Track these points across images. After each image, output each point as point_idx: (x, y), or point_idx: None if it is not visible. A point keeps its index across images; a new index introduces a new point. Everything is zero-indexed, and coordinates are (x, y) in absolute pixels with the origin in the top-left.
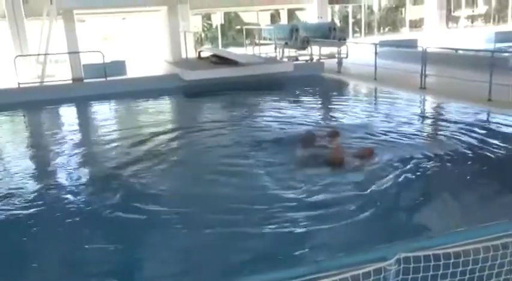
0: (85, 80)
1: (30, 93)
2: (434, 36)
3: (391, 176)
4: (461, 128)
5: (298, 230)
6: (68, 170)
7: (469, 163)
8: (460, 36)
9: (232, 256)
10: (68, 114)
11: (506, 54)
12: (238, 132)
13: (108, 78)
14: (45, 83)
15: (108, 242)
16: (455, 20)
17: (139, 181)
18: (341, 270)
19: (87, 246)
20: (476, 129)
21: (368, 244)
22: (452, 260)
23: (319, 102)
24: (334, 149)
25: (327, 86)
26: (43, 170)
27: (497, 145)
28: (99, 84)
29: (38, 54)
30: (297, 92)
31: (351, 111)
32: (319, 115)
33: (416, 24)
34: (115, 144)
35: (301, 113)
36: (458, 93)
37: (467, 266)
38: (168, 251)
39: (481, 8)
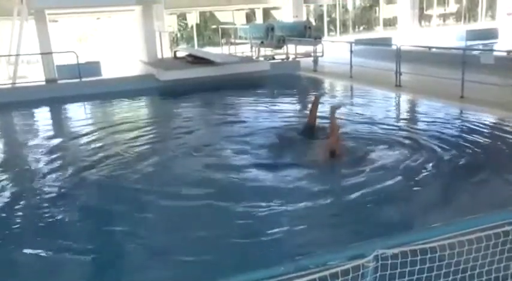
0: (59, 81)
1: (2, 94)
2: (408, 35)
3: (365, 172)
4: (435, 125)
5: (275, 227)
6: (39, 173)
7: (441, 158)
8: (433, 35)
9: (209, 255)
10: (42, 116)
11: (477, 52)
12: (215, 131)
13: (83, 79)
14: (17, 85)
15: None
16: (428, 18)
17: (113, 184)
18: (319, 268)
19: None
20: (448, 125)
21: (345, 241)
22: (429, 255)
23: (297, 100)
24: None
25: (303, 85)
26: (13, 173)
27: (468, 140)
28: (74, 85)
29: (9, 55)
30: (274, 91)
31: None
32: (297, 113)
33: (390, 23)
34: (89, 147)
35: (278, 112)
36: (432, 90)
37: (444, 261)
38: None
39: (453, 7)
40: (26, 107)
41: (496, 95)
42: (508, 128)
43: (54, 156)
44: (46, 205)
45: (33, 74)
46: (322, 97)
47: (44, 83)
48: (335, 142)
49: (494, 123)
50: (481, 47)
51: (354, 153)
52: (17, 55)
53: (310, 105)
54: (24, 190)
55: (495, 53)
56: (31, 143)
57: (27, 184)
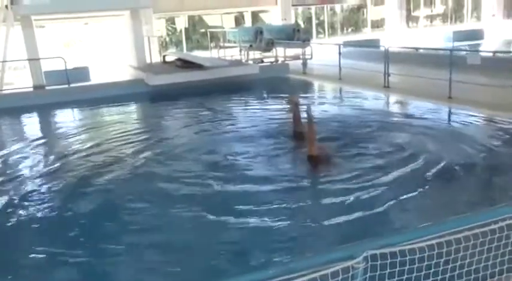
0: (47, 88)
1: None
2: (396, 36)
3: (355, 174)
4: (424, 125)
5: (266, 231)
6: (26, 180)
7: (430, 159)
8: (420, 36)
9: (200, 258)
10: (30, 123)
11: (464, 52)
12: (204, 136)
13: (71, 85)
14: (4, 91)
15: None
16: (415, 19)
17: (101, 192)
18: (309, 270)
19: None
20: (437, 126)
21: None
22: (417, 255)
23: (286, 103)
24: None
25: (293, 87)
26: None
27: (456, 141)
28: (62, 91)
29: None
30: (264, 94)
31: (317, 111)
32: (287, 116)
33: (378, 25)
34: (79, 154)
35: (268, 114)
36: (421, 91)
37: (432, 260)
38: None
39: (439, 8)
40: (13, 114)
41: (483, 95)
42: (495, 127)
43: (40, 163)
44: (29, 211)
45: (21, 81)
46: (299, 100)
47: (31, 89)
48: (313, 147)
49: (482, 122)
50: (467, 47)
51: (341, 156)
52: (4, 62)
53: (291, 112)
54: (9, 196)
55: (481, 54)
56: (18, 151)
57: (12, 191)
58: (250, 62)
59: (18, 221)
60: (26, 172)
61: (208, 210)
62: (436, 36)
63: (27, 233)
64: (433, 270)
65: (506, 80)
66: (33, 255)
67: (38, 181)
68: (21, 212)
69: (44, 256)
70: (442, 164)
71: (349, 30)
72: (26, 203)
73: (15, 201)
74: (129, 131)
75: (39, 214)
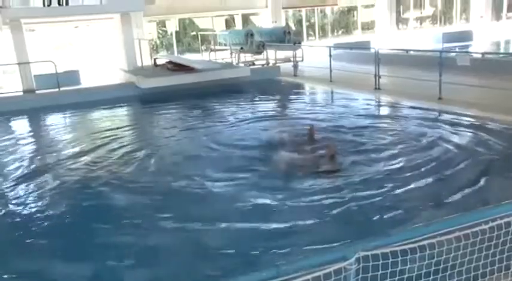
0: (37, 91)
1: None
2: (386, 38)
3: (353, 178)
4: (415, 126)
5: (260, 234)
6: (17, 185)
7: (423, 158)
8: (410, 37)
9: (191, 261)
10: (20, 126)
11: (454, 53)
12: (198, 139)
13: (62, 89)
14: None
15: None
16: (405, 21)
17: (94, 197)
18: (302, 272)
19: None
20: (429, 126)
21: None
22: (409, 256)
23: (278, 106)
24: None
25: (284, 90)
26: None
27: (446, 141)
28: (52, 95)
29: None
30: (255, 97)
31: (309, 114)
32: (279, 118)
33: (368, 27)
34: (70, 158)
35: (261, 117)
36: (411, 92)
37: (424, 261)
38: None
39: (428, 10)
40: (3, 118)
41: (472, 96)
42: (483, 127)
43: (31, 169)
44: (18, 218)
45: (10, 85)
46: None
47: (21, 93)
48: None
49: (471, 123)
50: (457, 49)
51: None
52: None
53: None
54: None
55: (470, 55)
56: (8, 155)
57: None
58: (242, 64)
59: None
60: (9, 175)
61: (204, 211)
62: (425, 38)
63: None
64: (424, 271)
65: (495, 81)
66: None
67: (20, 183)
68: None
69: None
70: (431, 163)
71: (340, 32)
72: None
73: None
74: (118, 135)
75: None
